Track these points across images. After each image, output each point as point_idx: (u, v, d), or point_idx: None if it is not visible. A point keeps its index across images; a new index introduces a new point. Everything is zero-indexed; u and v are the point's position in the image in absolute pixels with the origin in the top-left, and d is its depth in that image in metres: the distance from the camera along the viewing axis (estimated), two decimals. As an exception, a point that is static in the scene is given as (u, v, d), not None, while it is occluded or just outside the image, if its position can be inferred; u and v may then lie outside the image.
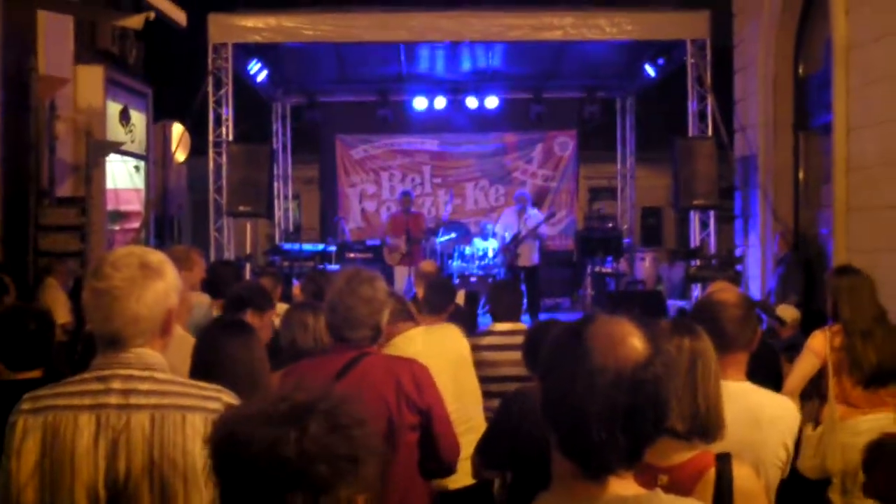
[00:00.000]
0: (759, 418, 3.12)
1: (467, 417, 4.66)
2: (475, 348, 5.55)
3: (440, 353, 4.64)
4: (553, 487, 1.83)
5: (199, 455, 2.31)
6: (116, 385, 2.35)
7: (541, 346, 1.95)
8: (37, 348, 4.06)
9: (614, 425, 1.71)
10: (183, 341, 3.77)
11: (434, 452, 3.69)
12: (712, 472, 2.52)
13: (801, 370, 5.22)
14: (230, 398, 2.44)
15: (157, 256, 2.47)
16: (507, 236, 14.00)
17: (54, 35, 10.59)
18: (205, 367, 3.17)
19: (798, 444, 4.58)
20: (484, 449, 3.92)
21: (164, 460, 2.29)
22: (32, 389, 2.49)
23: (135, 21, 10.08)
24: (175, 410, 2.34)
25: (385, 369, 3.65)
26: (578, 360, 1.75)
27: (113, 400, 2.33)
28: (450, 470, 3.85)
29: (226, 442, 1.62)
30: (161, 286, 2.42)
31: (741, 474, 2.54)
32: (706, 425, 2.64)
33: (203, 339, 3.40)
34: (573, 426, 1.74)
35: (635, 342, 1.78)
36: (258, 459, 1.57)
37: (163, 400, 2.35)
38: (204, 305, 5.77)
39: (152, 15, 10.12)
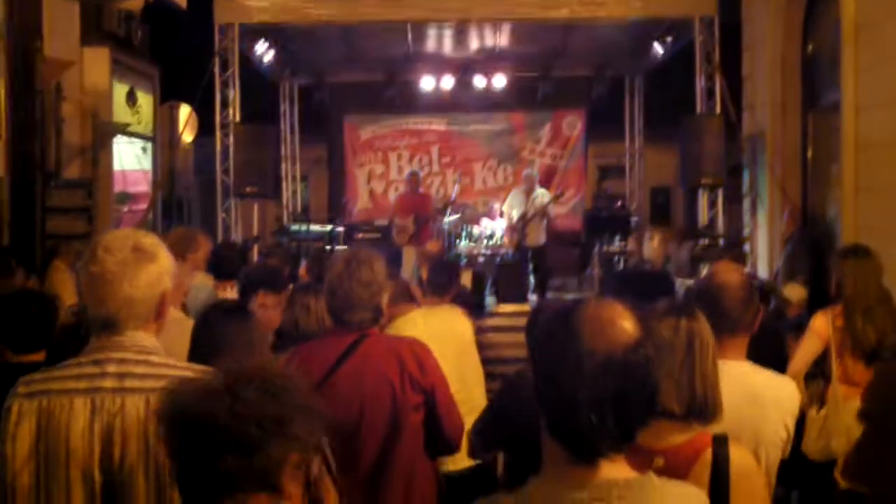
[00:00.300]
0: (758, 398, 3.11)
1: (469, 399, 4.66)
2: (479, 330, 5.56)
3: (441, 334, 4.64)
4: (544, 471, 1.82)
5: None
6: (111, 369, 2.35)
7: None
8: (39, 331, 4.08)
9: (604, 409, 1.70)
10: (179, 324, 3.78)
11: (438, 432, 3.70)
12: (709, 453, 2.51)
13: (804, 352, 5.21)
14: None
15: (150, 240, 2.47)
16: (515, 216, 13.98)
17: (60, 17, 10.57)
18: (203, 350, 3.18)
19: (801, 424, 4.59)
20: (482, 430, 3.92)
21: (159, 443, 2.29)
22: (35, 371, 2.51)
23: (134, 3, 10.08)
24: None
25: (387, 350, 3.65)
26: (568, 344, 1.74)
27: (108, 383, 2.34)
28: (454, 448, 3.86)
29: (168, 411, 1.79)
30: (154, 269, 2.42)
31: (738, 456, 2.53)
32: (703, 407, 2.63)
33: (201, 323, 3.40)
34: (563, 410, 1.74)
35: (625, 325, 1.77)
36: (194, 425, 1.73)
37: (158, 383, 2.33)
38: (207, 287, 5.78)
39: (152, -2, 10.12)
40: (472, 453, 4.11)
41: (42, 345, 4.08)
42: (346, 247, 14.59)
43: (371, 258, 3.77)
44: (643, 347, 1.75)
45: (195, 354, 3.17)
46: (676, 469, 2.47)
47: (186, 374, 2.39)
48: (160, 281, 2.44)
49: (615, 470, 1.78)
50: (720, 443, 2.53)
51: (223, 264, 6.26)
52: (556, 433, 1.77)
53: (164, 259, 2.47)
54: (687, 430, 2.60)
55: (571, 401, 1.71)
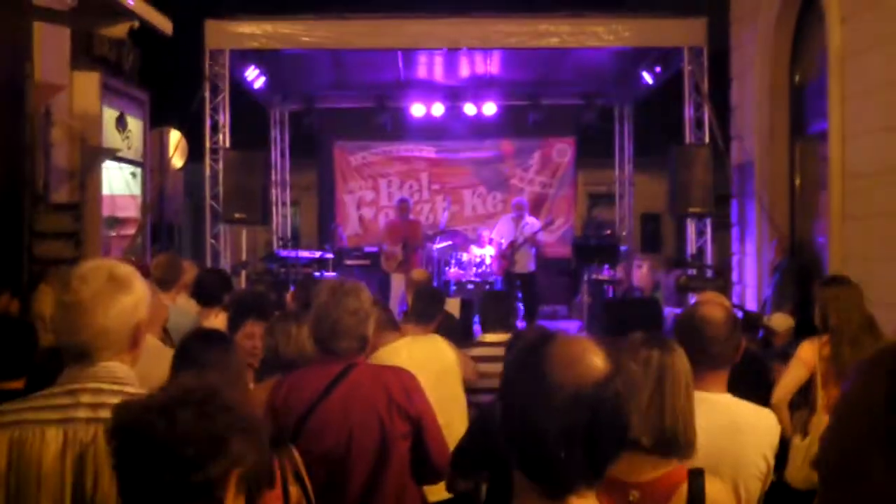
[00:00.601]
0: (738, 429, 3.11)
1: (452, 429, 4.64)
2: (469, 359, 5.55)
3: (424, 364, 4.62)
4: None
5: None
6: (85, 399, 2.34)
7: None
8: (18, 358, 4.06)
9: (574, 444, 1.69)
10: (156, 352, 3.76)
11: (426, 459, 3.71)
12: (684, 487, 2.50)
13: (789, 380, 5.21)
14: None
15: (124, 269, 2.46)
16: (504, 243, 14.00)
17: (50, 41, 10.57)
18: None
19: (785, 453, 4.58)
20: (457, 461, 3.91)
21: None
22: (13, 399, 2.49)
23: (118, 30, 10.07)
24: None
25: (375, 379, 3.65)
26: (537, 378, 1.73)
27: (81, 414, 2.32)
28: (441, 476, 3.86)
29: (113, 429, 1.85)
30: (129, 300, 2.41)
31: (713, 490, 2.51)
32: (674, 440, 2.62)
33: (181, 350, 3.39)
34: (532, 445, 1.72)
35: (594, 360, 1.76)
36: (133, 443, 1.80)
37: None
38: (192, 314, 5.76)
39: (136, 24, 10.11)
40: (449, 487, 4.09)
41: (21, 372, 4.06)
42: (335, 273, 14.59)
43: (357, 287, 3.79)
44: (613, 382, 1.74)
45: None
46: (652, 503, 2.46)
47: None
48: (135, 311, 2.43)
49: (582, 500, 1.76)
50: (695, 476, 2.52)
51: (207, 291, 6.25)
52: (526, 468, 1.76)
53: (140, 289, 2.46)
54: (662, 463, 2.58)
55: (541, 436, 1.70)
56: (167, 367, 3.65)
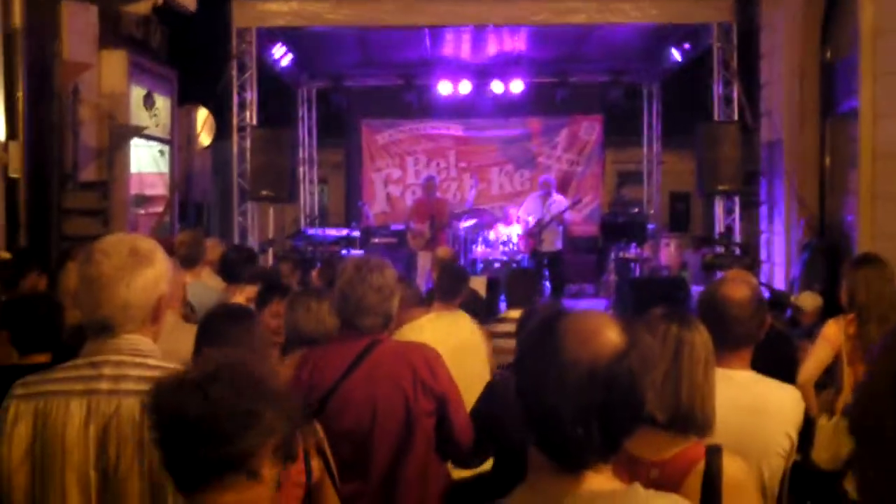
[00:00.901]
0: (761, 407, 3.09)
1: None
2: (489, 336, 5.55)
3: (447, 340, 4.62)
4: (529, 480, 1.81)
5: None
6: (107, 371, 2.36)
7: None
8: (45, 332, 4.11)
9: (589, 420, 1.68)
10: (177, 327, 3.79)
11: (450, 436, 3.71)
12: (702, 464, 2.49)
13: (815, 359, 5.17)
14: None
15: (147, 244, 2.47)
16: (531, 221, 13.97)
17: (78, 20, 10.61)
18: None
19: (811, 433, 4.55)
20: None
21: (153, 446, 2.29)
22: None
23: (143, 6, 10.11)
24: None
25: (399, 356, 3.66)
26: (551, 355, 1.73)
27: (104, 385, 2.34)
28: (465, 453, 3.86)
29: (151, 406, 1.92)
30: (151, 273, 2.42)
31: (731, 467, 2.49)
32: (690, 416, 2.58)
33: (204, 327, 3.41)
34: (547, 421, 1.72)
35: (609, 335, 1.75)
36: (170, 419, 1.88)
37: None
38: (217, 291, 5.79)
39: (160, 0, 10.12)
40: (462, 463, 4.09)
41: (48, 346, 4.11)
42: (361, 251, 14.62)
43: (382, 264, 3.79)
44: (627, 358, 1.73)
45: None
46: (670, 480, 2.45)
47: None
48: (157, 285, 2.45)
49: (600, 481, 1.76)
50: (713, 453, 2.50)
51: (233, 268, 6.27)
52: (541, 444, 1.76)
53: (161, 263, 2.47)
54: (679, 441, 2.57)
55: (556, 412, 1.69)
56: (187, 343, 3.69)
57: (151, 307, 2.44)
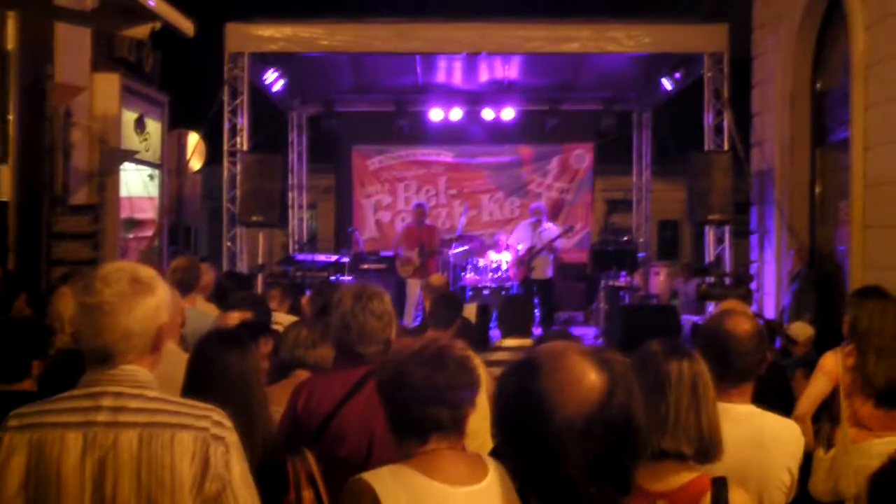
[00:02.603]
0: (763, 441, 3.08)
1: (477, 437, 4.59)
2: (484, 365, 5.50)
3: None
4: None
5: (186, 474, 2.27)
6: (106, 402, 2.31)
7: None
8: (27, 360, 4.05)
9: (597, 473, 1.63)
10: (174, 356, 3.74)
11: None
12: (708, 496, 2.47)
13: (812, 392, 5.14)
14: (220, 416, 2.40)
15: (147, 272, 2.44)
16: (521, 249, 13.96)
17: (71, 43, 10.60)
18: (198, 379, 3.14)
19: (808, 465, 4.52)
20: None
21: (152, 479, 2.25)
22: (25, 401, 2.47)
23: (140, 31, 10.11)
24: (164, 429, 2.30)
25: None
26: (542, 420, 1.65)
27: (102, 417, 2.29)
28: None
29: (394, 377, 2.59)
30: (152, 302, 2.39)
31: (737, 498, 2.49)
32: (711, 446, 2.62)
33: (197, 352, 3.37)
34: (556, 486, 1.66)
35: (591, 377, 1.68)
36: (420, 388, 2.51)
37: (152, 418, 2.31)
38: (211, 317, 5.74)
39: (158, 25, 10.12)
40: None
41: (29, 373, 4.05)
42: (350, 277, 14.57)
43: (380, 291, 3.80)
44: (615, 396, 1.67)
45: (190, 384, 3.14)
46: None
47: (180, 410, 2.35)
48: (158, 314, 2.41)
49: None
50: (719, 485, 2.50)
51: (227, 294, 6.23)
52: None
53: (162, 291, 2.43)
54: (688, 470, 2.57)
55: (563, 476, 1.63)
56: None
57: (152, 336, 2.40)
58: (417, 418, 2.48)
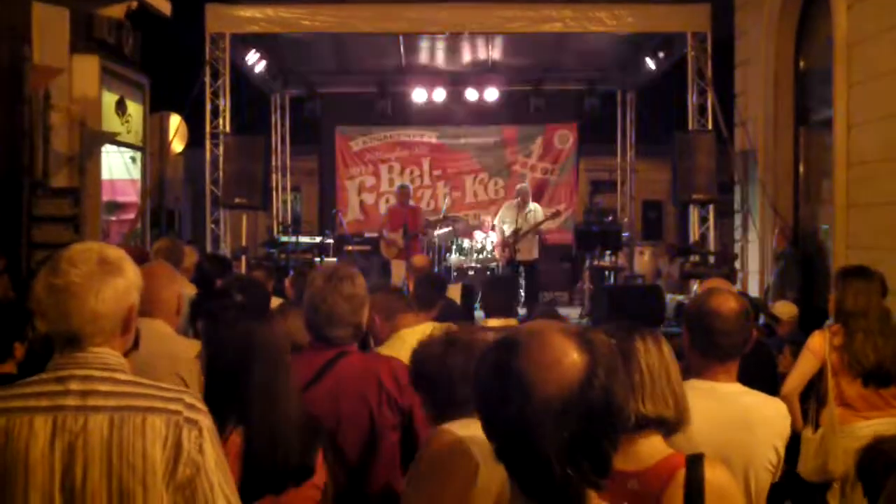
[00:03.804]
0: (750, 420, 3.06)
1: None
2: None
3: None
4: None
5: (159, 459, 2.22)
6: (74, 386, 2.25)
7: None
8: (6, 342, 4.01)
9: (577, 455, 1.59)
10: (168, 339, 3.70)
11: (417, 449, 3.62)
12: (682, 473, 2.44)
13: (799, 371, 5.13)
14: (193, 399, 2.34)
15: (115, 252, 2.38)
16: (507, 230, 13.94)
17: (49, 24, 10.48)
18: (223, 358, 3.04)
19: (796, 445, 4.52)
20: None
21: (123, 464, 2.20)
22: (5, 383, 2.42)
23: (116, 10, 10.01)
24: (135, 412, 2.24)
25: (365, 369, 3.58)
26: (520, 399, 1.61)
27: (70, 401, 2.23)
28: None
29: (422, 363, 2.97)
30: (121, 283, 2.33)
31: (713, 475, 2.44)
32: (683, 411, 2.62)
33: (220, 329, 3.26)
34: (533, 468, 1.62)
35: (572, 356, 1.64)
36: (439, 374, 2.90)
37: (122, 401, 2.25)
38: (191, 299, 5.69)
39: (134, 4, 10.01)
40: None
41: (11, 356, 4.02)
42: (335, 259, 14.54)
43: (352, 273, 3.71)
44: (597, 376, 1.63)
45: (213, 363, 3.05)
46: (650, 491, 2.41)
47: (151, 393, 2.30)
48: (127, 295, 2.35)
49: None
50: (694, 461, 2.46)
51: (208, 276, 6.19)
52: (529, 491, 1.66)
53: (131, 272, 2.37)
54: (664, 446, 2.55)
55: (540, 459, 1.60)
56: (184, 353, 3.60)
57: (121, 318, 2.34)
58: (445, 398, 2.85)
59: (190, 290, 6.16)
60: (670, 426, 2.59)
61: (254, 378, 2.92)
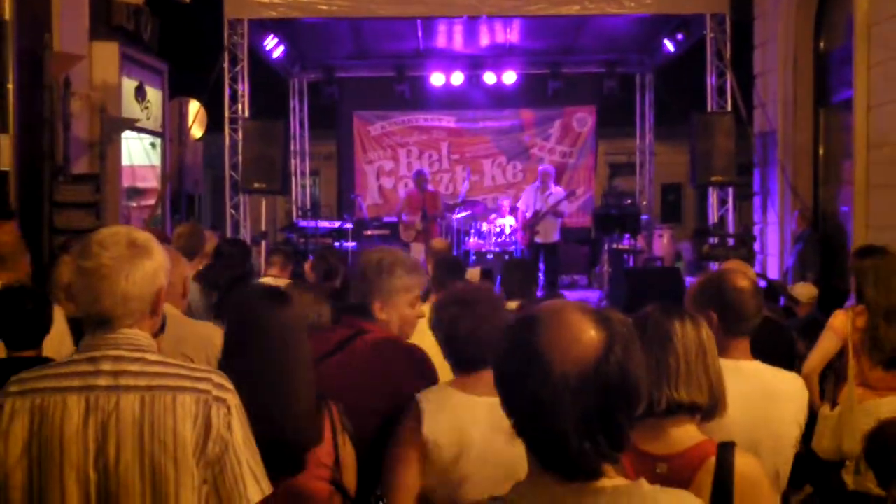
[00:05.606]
0: (771, 396, 3.09)
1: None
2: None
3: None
4: (530, 477, 1.76)
5: (189, 436, 2.27)
6: (106, 366, 2.30)
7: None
8: (35, 327, 4.06)
9: (593, 429, 1.63)
10: (179, 322, 3.74)
11: None
12: (713, 460, 2.45)
13: (821, 350, 5.14)
14: (221, 379, 2.39)
15: (144, 235, 2.42)
16: (528, 213, 13.95)
17: (69, 11, 10.54)
18: (239, 336, 3.02)
19: (810, 424, 4.53)
20: None
21: (154, 442, 2.25)
22: (30, 366, 2.47)
23: (135, -4, 10.06)
24: (165, 391, 2.29)
25: (375, 351, 3.41)
26: (539, 374, 1.65)
27: (102, 381, 2.29)
28: None
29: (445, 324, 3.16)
30: (150, 265, 2.37)
31: (743, 463, 2.45)
32: (718, 398, 2.62)
33: (238, 309, 3.22)
34: (549, 441, 1.66)
35: (590, 333, 1.67)
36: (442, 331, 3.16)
37: (153, 381, 2.30)
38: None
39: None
40: None
41: (38, 341, 4.07)
42: (354, 243, 14.58)
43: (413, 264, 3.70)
44: (613, 352, 1.67)
45: (230, 341, 3.03)
46: (679, 476, 2.41)
47: (181, 372, 2.35)
48: (156, 277, 2.40)
49: (604, 477, 1.71)
50: (726, 449, 2.47)
51: (228, 260, 6.23)
52: (547, 464, 1.70)
53: (160, 255, 2.42)
54: (696, 431, 2.56)
55: (557, 432, 1.63)
56: (192, 337, 3.62)
57: (150, 300, 2.39)
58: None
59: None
60: (705, 412, 2.61)
61: (258, 356, 2.89)
